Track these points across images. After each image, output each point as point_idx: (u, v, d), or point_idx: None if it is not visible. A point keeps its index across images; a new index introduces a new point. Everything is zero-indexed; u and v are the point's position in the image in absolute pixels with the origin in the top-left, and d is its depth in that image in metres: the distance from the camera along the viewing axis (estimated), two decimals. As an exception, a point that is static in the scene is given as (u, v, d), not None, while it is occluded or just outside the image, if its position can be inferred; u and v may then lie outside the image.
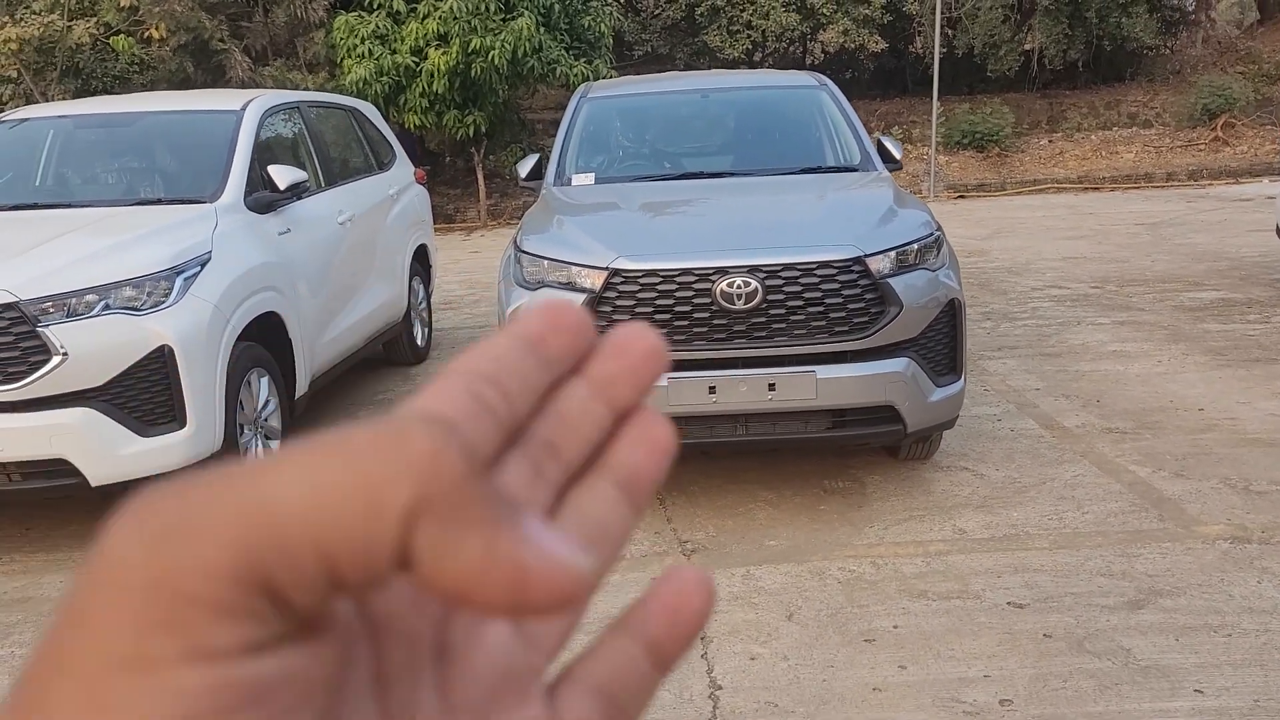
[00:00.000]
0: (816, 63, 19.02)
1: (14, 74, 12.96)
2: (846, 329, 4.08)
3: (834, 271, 4.09)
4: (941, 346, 4.31)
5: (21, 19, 12.58)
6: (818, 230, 4.37)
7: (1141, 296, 8.03)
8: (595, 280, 4.16)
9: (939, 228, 4.53)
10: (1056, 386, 5.88)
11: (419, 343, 7.25)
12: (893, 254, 4.20)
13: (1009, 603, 3.54)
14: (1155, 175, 15.78)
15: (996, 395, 5.77)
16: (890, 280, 4.13)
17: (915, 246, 4.28)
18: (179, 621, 0.20)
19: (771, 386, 4.06)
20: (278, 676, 0.21)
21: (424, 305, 7.47)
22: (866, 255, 4.13)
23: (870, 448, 4.88)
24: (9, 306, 3.89)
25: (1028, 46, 17.67)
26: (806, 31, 18.25)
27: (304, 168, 5.72)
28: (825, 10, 17.27)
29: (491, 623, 0.28)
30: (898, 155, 5.47)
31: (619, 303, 4.13)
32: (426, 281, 7.57)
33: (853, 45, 17.79)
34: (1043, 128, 17.75)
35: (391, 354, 7.02)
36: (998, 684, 3.08)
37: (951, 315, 4.32)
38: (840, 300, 4.07)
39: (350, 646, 0.24)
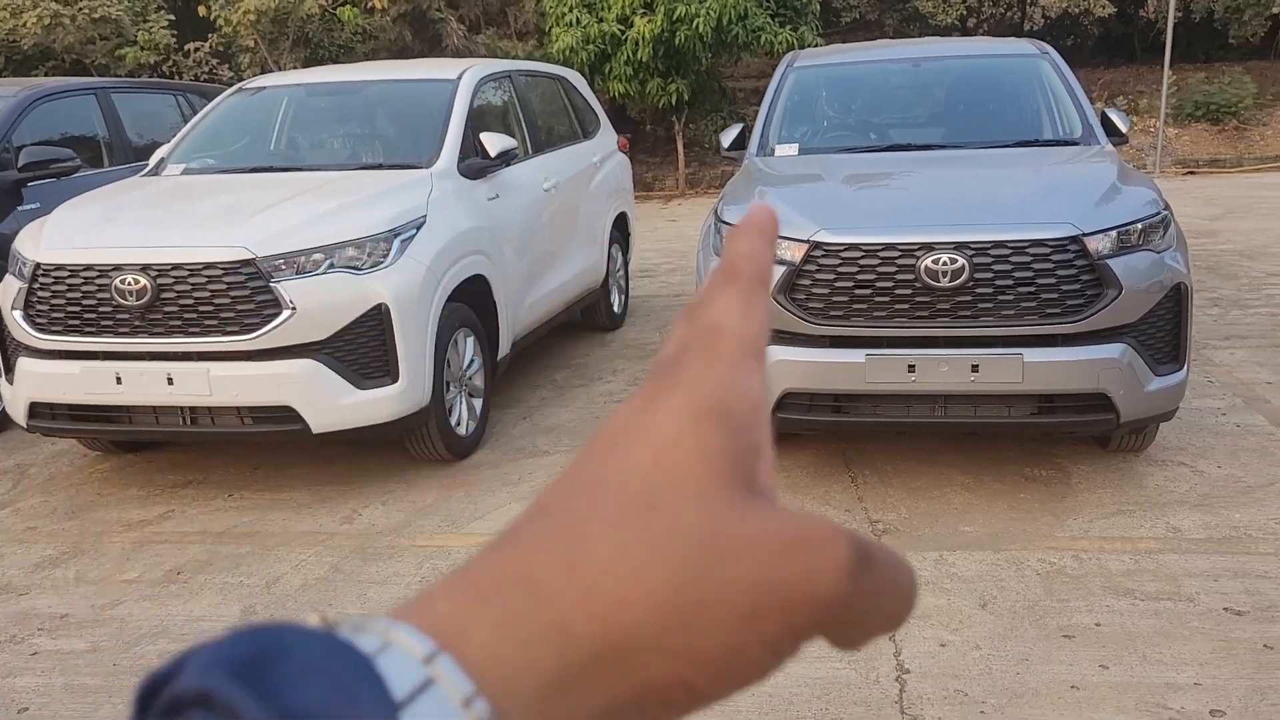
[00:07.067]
0: (1036, 28, 18.04)
1: (251, 43, 13.92)
2: (1059, 311, 3.89)
3: (1048, 251, 3.90)
4: (1163, 333, 4.04)
5: (260, -8, 13.46)
6: (1032, 207, 4.17)
7: (1397, 286, 7.30)
8: (795, 253, 4.11)
9: (1166, 206, 4.25)
10: (1291, 381, 5.43)
11: (616, 309, 7.37)
12: (1114, 233, 3.97)
13: (1226, 608, 3.32)
14: None
15: (1222, 388, 5.39)
16: (1110, 261, 3.91)
17: (1139, 226, 4.03)
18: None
19: (975, 368, 3.93)
20: None
21: (622, 272, 7.59)
22: (1085, 234, 3.91)
23: (1077, 437, 4.66)
24: (247, 263, 4.20)
25: (1276, 10, 16.20)
26: (1026, -5, 17.34)
27: (513, 135, 5.89)
28: (1048, -28, 16.35)
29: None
30: (1123, 128, 5.14)
31: (818, 276, 4.07)
32: (625, 249, 7.68)
33: (1077, 10, 16.77)
34: (1289, 99, 16.29)
35: (589, 319, 7.16)
36: (1209, 693, 2.90)
37: (1176, 300, 4.05)
38: (1053, 281, 3.88)
39: None
